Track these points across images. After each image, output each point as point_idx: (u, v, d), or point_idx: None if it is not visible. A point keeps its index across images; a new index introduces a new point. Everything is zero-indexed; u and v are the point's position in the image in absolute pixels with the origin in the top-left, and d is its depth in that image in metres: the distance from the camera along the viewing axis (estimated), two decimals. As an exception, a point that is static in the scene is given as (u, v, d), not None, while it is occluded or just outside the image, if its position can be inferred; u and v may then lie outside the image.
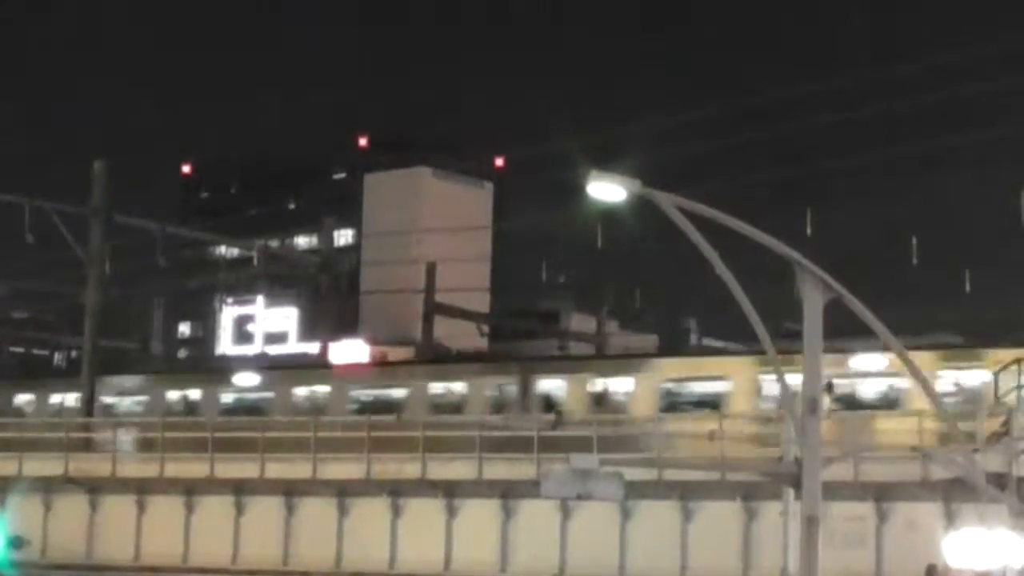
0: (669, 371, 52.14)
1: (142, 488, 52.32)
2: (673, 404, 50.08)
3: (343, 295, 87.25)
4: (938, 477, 37.93)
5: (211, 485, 51.02)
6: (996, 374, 43.90)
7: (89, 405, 60.68)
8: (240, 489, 50.67)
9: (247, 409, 58.43)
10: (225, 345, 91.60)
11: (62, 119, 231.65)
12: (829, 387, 43.40)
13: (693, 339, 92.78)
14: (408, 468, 47.93)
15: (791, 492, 25.90)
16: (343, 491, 49.05)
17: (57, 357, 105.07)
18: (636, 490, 34.92)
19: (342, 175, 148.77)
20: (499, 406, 53.57)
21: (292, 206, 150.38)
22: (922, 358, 45.67)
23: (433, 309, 76.65)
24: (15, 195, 62.40)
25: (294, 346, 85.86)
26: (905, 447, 38.24)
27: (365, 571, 48.38)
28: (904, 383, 46.49)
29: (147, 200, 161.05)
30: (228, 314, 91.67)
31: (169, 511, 51.74)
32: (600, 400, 52.44)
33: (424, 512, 47.75)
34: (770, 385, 48.20)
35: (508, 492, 46.32)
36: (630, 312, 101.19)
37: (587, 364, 58.46)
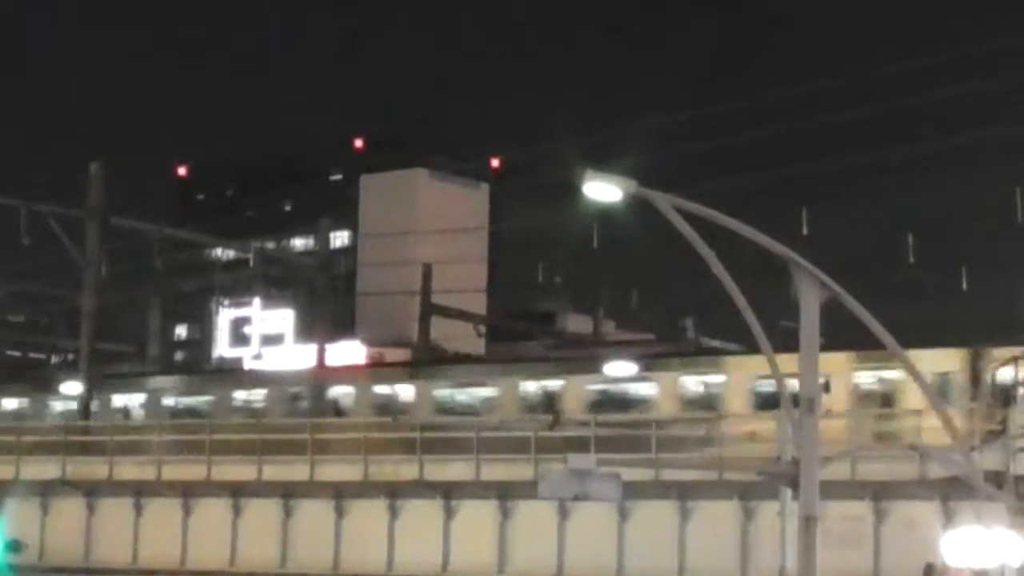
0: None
1: (139, 491, 52.31)
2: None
3: (340, 297, 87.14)
4: (935, 476, 37.91)
5: (208, 487, 51.00)
6: (993, 372, 43.93)
7: (86, 408, 60.63)
8: (237, 491, 50.66)
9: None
10: (222, 347, 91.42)
11: (58, 121, 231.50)
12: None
13: (690, 339, 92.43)
14: (405, 469, 47.93)
15: (788, 492, 25.85)
16: (341, 493, 49.05)
17: (54, 360, 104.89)
18: (634, 490, 34.90)
19: (338, 177, 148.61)
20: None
21: (288, 208, 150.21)
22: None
23: (430, 310, 76.65)
24: (11, 197, 62.34)
25: (291, 348, 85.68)
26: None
27: (363, 573, 48.37)
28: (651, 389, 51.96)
29: (143, 202, 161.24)
30: (224, 316, 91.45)
31: (166, 514, 51.73)
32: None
33: (422, 513, 47.74)
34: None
35: (506, 493, 46.32)
36: (627, 312, 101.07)
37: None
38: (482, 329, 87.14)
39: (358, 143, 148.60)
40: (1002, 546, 27.66)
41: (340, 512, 49.21)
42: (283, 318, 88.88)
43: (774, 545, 37.99)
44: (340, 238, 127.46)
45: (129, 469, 52.96)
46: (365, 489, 48.48)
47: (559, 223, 78.88)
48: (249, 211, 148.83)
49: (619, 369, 53.58)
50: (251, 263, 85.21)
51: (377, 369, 68.18)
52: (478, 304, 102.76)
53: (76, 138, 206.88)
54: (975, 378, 45.34)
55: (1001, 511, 28.27)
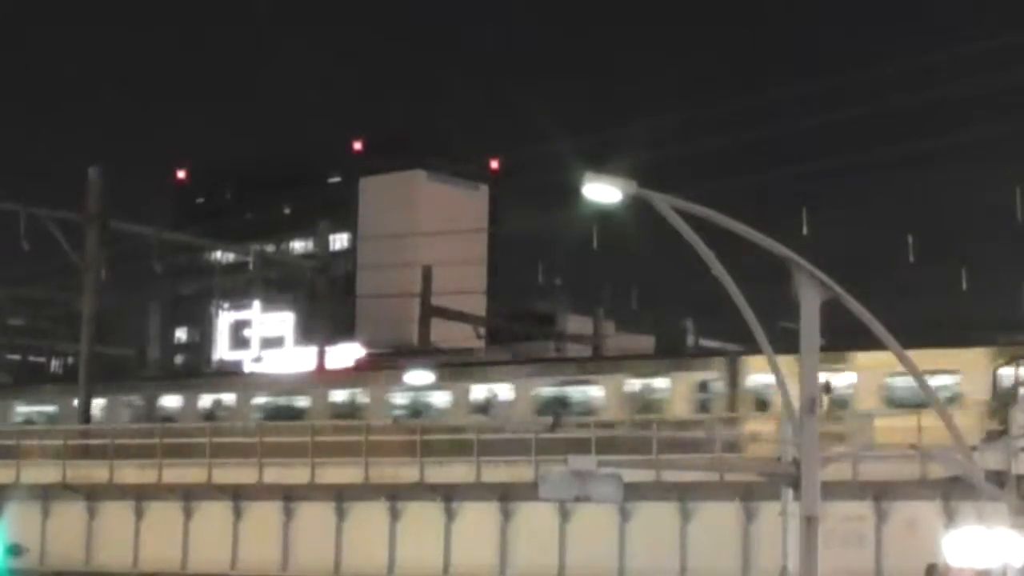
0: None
1: (140, 494, 52.28)
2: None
3: (339, 299, 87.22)
4: (937, 476, 37.90)
5: (209, 490, 50.97)
6: (995, 372, 43.92)
7: (86, 412, 60.60)
8: (238, 494, 50.62)
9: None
10: (221, 350, 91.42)
11: (56, 125, 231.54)
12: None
13: (690, 340, 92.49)
14: (406, 472, 47.90)
15: (790, 492, 25.83)
16: (341, 495, 49.01)
17: (54, 364, 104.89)
18: (635, 491, 34.89)
19: (337, 179, 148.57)
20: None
21: (287, 210, 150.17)
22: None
23: (429, 312, 76.68)
24: (10, 202, 62.30)
25: (290, 350, 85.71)
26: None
27: (364, 575, 48.35)
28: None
29: (142, 206, 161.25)
30: (224, 319, 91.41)
31: (167, 517, 51.69)
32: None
33: (423, 515, 47.71)
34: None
35: (507, 495, 46.29)
36: (627, 313, 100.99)
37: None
38: (482, 331, 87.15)
39: (357, 145, 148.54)
40: (1004, 546, 27.66)
41: (341, 515, 49.18)
42: (283, 321, 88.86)
43: (775, 546, 37.91)
44: (339, 240, 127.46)
45: (130, 472, 52.93)
46: (366, 491, 48.45)
47: (558, 224, 78.97)
48: (248, 214, 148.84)
49: None
50: (251, 266, 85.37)
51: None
52: (478, 306, 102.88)
53: (75, 143, 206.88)
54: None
55: (1003, 511, 28.27)
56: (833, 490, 27.83)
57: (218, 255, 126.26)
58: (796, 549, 22.85)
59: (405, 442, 49.16)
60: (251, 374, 73.88)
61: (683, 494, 43.98)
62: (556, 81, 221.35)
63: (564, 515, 45.29)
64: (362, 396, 58.90)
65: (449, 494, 47.34)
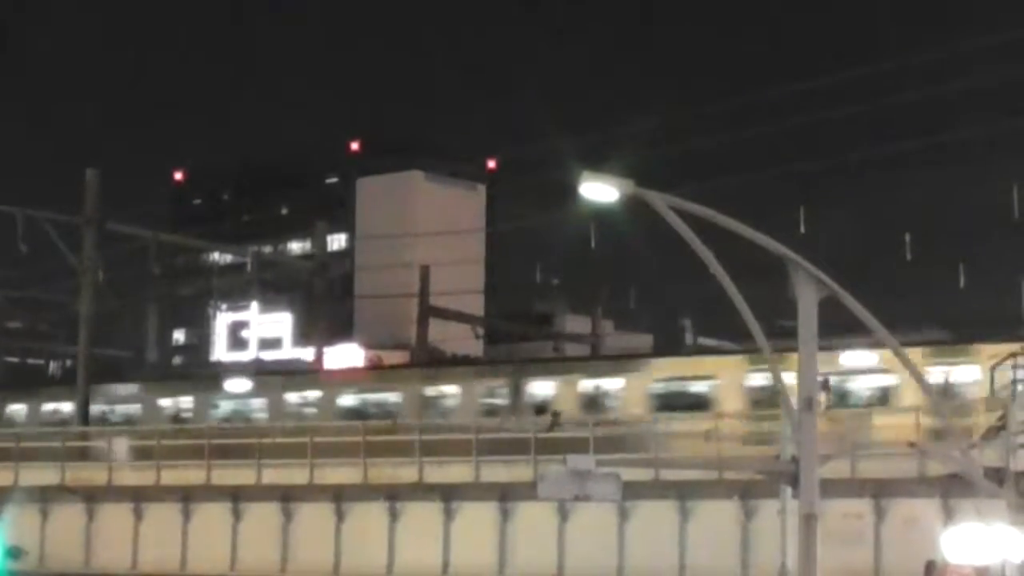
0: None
1: (139, 496, 52.29)
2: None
3: (337, 300, 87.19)
4: (936, 473, 37.90)
5: (208, 492, 50.98)
6: (992, 369, 43.93)
7: (84, 414, 60.62)
8: (237, 495, 50.64)
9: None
10: (220, 351, 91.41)
11: (53, 127, 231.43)
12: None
13: (688, 339, 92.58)
14: (405, 472, 47.91)
15: (788, 490, 25.84)
16: (340, 496, 49.02)
17: (52, 366, 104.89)
18: (633, 490, 34.88)
19: (334, 179, 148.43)
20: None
21: (285, 211, 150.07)
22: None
23: (427, 312, 76.68)
24: (7, 204, 62.31)
25: (289, 351, 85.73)
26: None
27: (363, 575, 48.36)
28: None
29: (140, 208, 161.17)
30: (222, 320, 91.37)
31: (166, 519, 51.71)
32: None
33: (422, 516, 47.72)
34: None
35: (506, 494, 46.30)
36: (625, 313, 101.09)
37: None
38: (480, 331, 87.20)
39: (354, 146, 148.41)
40: (1003, 543, 27.64)
41: (340, 515, 49.18)
42: (281, 322, 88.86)
43: (774, 544, 37.98)
44: (337, 241, 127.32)
45: (128, 474, 52.96)
46: (365, 492, 48.45)
47: (556, 224, 78.94)
48: (246, 215, 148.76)
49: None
50: (248, 267, 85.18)
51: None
52: (476, 306, 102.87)
53: (72, 144, 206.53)
54: None
55: (1001, 508, 28.26)
56: (832, 488, 27.81)
57: (216, 256, 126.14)
58: (795, 547, 22.88)
59: (403, 442, 49.21)
60: None
61: (682, 493, 43.99)
62: (553, 80, 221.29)
63: (563, 514, 45.30)
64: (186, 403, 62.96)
65: (448, 494, 47.34)
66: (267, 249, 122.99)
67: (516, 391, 55.48)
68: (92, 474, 53.53)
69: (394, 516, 48.30)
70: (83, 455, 55.61)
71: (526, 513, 45.93)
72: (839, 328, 26.62)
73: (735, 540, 43.40)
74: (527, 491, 40.27)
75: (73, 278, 63.35)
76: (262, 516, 50.29)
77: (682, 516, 44.25)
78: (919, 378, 24.68)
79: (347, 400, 59.29)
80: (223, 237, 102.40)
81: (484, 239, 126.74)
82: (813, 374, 22.28)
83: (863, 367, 48.14)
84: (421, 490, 47.54)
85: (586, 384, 54.66)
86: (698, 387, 52.04)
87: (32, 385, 75.33)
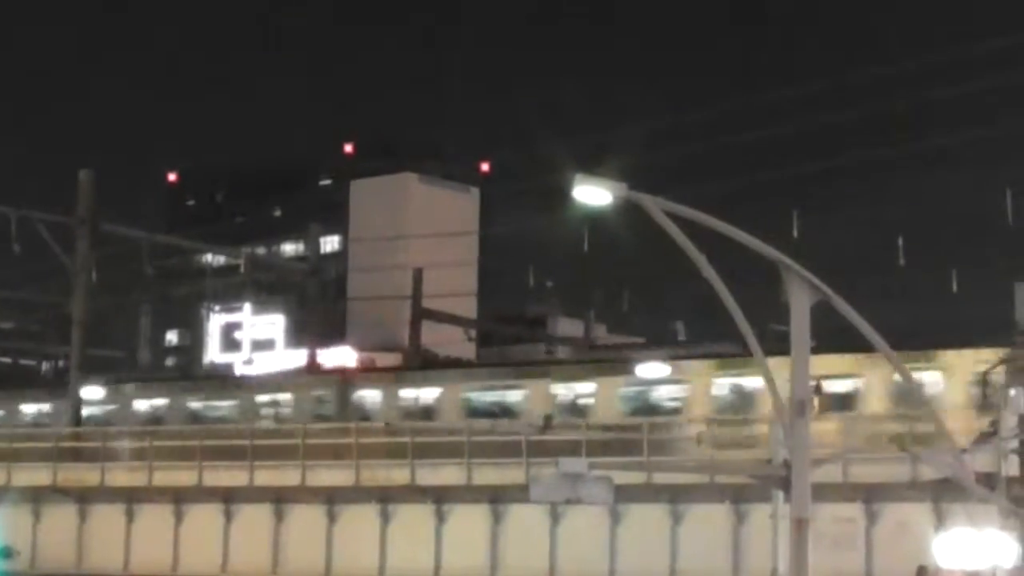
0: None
1: (131, 497, 52.27)
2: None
3: (330, 302, 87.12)
4: (927, 478, 37.92)
5: (200, 493, 50.96)
6: (985, 375, 43.94)
7: (77, 415, 60.55)
8: (229, 497, 50.62)
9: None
10: (212, 353, 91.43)
11: (47, 128, 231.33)
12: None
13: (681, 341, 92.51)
14: (397, 474, 47.90)
15: (780, 494, 25.87)
16: (332, 498, 49.01)
17: (44, 367, 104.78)
18: (625, 494, 34.91)
19: (328, 182, 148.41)
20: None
21: (278, 213, 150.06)
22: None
23: (420, 315, 76.58)
24: (0, 204, 62.20)
25: (281, 353, 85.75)
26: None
27: (355, 578, 48.37)
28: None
29: (133, 209, 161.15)
30: (215, 322, 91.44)
31: (158, 520, 51.69)
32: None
33: (413, 518, 47.71)
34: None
35: (497, 497, 46.30)
36: (618, 316, 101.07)
37: None
38: (473, 333, 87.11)
39: (347, 148, 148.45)
40: (994, 547, 27.69)
41: (332, 517, 49.18)
42: (273, 323, 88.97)
43: (766, 548, 37.89)
44: (330, 243, 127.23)
45: (120, 475, 52.92)
46: (357, 494, 48.44)
47: (549, 227, 78.90)
48: (239, 217, 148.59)
49: None
50: (241, 269, 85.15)
51: None
52: (468, 308, 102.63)
53: (66, 145, 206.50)
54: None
55: (993, 513, 28.31)
56: (823, 492, 27.84)
57: (209, 258, 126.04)
58: (786, 551, 22.89)
59: (395, 444, 49.20)
60: None
61: (674, 496, 44.00)
62: (547, 82, 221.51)
63: (555, 517, 45.31)
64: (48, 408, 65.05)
65: (440, 496, 47.33)
66: (260, 251, 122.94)
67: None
68: (84, 475, 53.49)
69: (386, 518, 48.30)
70: (76, 455, 55.54)
71: (518, 516, 45.93)
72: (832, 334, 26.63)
73: (727, 544, 43.42)
74: (519, 494, 40.32)
75: (66, 279, 63.26)
76: (254, 518, 50.28)
77: (674, 519, 44.26)
78: (915, 385, 24.67)
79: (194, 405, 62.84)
80: (216, 238, 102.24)
81: (477, 242, 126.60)
82: (805, 378, 22.28)
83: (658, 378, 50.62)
84: (413, 492, 47.54)
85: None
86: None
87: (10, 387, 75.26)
